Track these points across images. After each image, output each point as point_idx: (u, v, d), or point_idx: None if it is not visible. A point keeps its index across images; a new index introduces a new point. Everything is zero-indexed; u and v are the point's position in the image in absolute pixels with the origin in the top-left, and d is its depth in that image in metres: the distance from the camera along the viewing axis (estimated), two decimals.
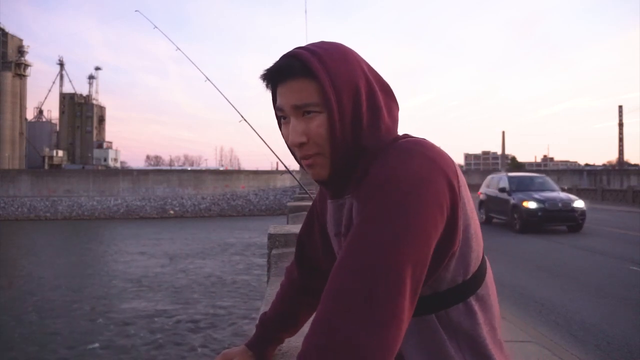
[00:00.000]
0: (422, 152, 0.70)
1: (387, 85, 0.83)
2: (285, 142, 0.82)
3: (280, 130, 0.84)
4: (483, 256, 0.81)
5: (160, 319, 10.80)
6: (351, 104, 0.76)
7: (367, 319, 0.60)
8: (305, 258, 1.10)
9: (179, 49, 3.76)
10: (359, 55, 0.82)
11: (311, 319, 1.16)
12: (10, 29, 60.75)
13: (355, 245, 0.66)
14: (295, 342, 1.27)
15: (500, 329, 0.82)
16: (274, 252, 2.80)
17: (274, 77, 0.80)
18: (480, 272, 0.79)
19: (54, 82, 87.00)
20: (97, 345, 9.33)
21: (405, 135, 0.81)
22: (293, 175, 3.92)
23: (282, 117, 0.81)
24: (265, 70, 0.81)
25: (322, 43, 0.80)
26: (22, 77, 59.81)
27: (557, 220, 12.10)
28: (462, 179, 0.73)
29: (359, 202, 0.74)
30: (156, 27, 3.99)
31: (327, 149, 0.77)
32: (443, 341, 0.75)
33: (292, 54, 0.78)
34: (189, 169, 62.19)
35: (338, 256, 0.68)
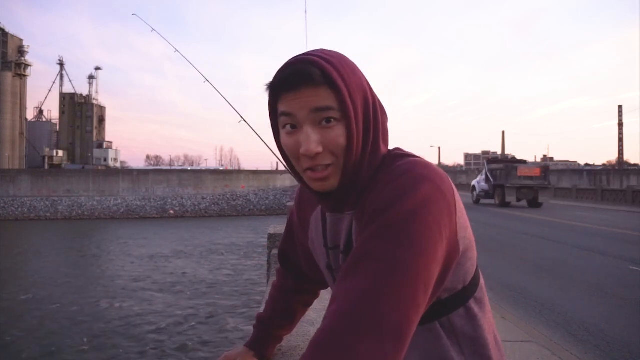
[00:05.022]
0: (423, 174, 0.71)
1: (377, 97, 0.83)
2: (289, 151, 0.77)
3: (277, 139, 0.81)
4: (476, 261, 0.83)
5: (147, 319, 10.81)
6: (363, 114, 0.77)
7: (374, 338, 0.60)
8: (290, 265, 1.14)
9: (178, 51, 3.75)
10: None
11: (311, 320, 1.18)
12: (10, 29, 60.76)
13: (359, 265, 0.66)
14: (295, 341, 1.29)
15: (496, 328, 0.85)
16: (274, 252, 2.80)
17: (287, 84, 0.74)
18: (476, 277, 0.81)
19: (54, 82, 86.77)
20: (78, 346, 9.30)
21: (397, 149, 0.82)
22: (293, 175, 3.91)
23: (289, 125, 0.76)
24: (276, 77, 0.76)
25: (327, 51, 0.78)
26: (22, 77, 59.81)
27: None
28: (457, 195, 0.74)
29: (359, 222, 0.76)
30: (154, 29, 3.99)
31: (342, 160, 0.75)
32: (446, 347, 0.77)
33: (305, 60, 0.74)
34: (189, 169, 62.18)
35: (341, 272, 0.68)
